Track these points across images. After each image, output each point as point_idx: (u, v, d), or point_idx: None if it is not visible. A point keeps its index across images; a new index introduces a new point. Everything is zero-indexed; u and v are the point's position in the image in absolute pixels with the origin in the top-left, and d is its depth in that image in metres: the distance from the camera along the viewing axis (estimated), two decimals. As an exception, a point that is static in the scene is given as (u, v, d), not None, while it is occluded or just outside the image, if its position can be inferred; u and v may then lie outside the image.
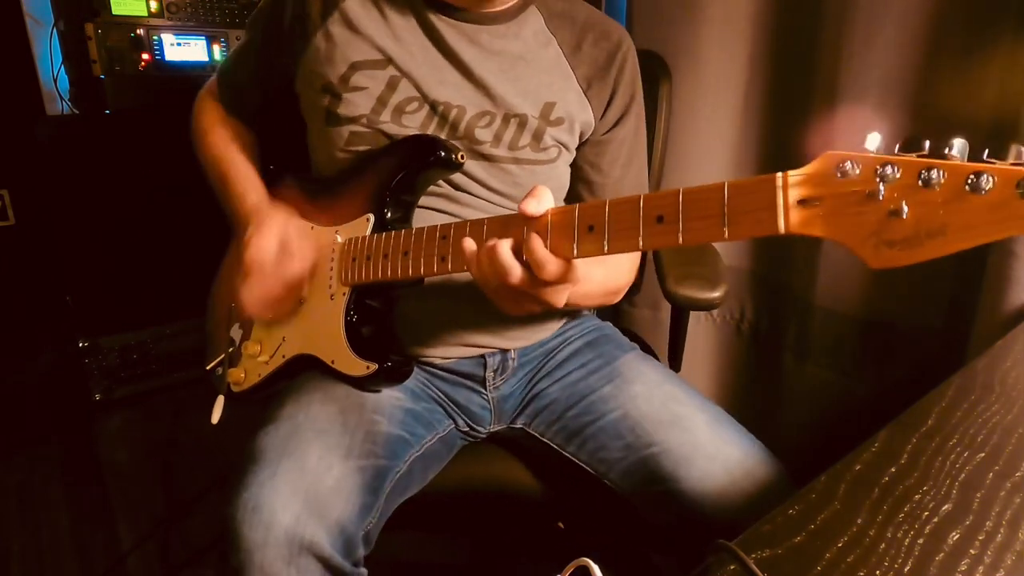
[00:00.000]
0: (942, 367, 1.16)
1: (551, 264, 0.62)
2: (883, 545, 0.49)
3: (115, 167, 1.85)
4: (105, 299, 1.92)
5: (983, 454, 0.59)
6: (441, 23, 0.87)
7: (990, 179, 0.42)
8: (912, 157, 0.46)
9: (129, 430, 1.90)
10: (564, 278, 0.63)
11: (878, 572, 0.47)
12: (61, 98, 1.92)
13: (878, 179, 0.46)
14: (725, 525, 0.75)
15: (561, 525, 1.10)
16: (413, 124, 0.87)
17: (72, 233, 1.84)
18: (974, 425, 0.63)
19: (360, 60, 0.85)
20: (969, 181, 0.43)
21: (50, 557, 1.45)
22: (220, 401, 0.91)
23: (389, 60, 0.85)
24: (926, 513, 0.52)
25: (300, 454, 0.72)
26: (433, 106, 0.86)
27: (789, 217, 0.50)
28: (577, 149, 0.95)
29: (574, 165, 0.97)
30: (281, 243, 0.84)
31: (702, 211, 0.55)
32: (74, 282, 1.89)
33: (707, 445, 0.80)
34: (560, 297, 0.66)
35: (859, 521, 0.51)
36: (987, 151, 0.44)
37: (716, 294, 0.96)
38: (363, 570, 0.73)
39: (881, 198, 0.46)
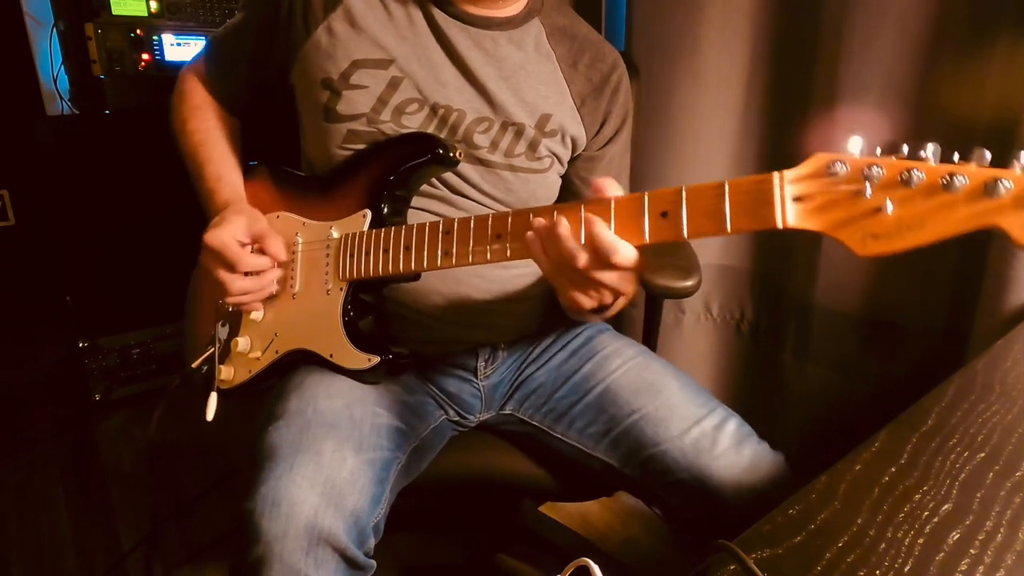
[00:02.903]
0: (942, 367, 1.16)
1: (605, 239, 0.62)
2: (883, 545, 0.49)
3: (115, 167, 1.84)
4: (105, 299, 1.92)
5: (983, 454, 0.59)
6: (448, 24, 0.87)
7: (963, 179, 0.49)
8: (893, 159, 0.52)
9: (129, 430, 1.90)
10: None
11: (878, 572, 0.47)
12: (61, 98, 1.92)
13: (864, 179, 0.52)
14: (706, 473, 0.80)
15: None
16: (413, 125, 0.87)
17: (72, 233, 1.84)
18: (974, 425, 0.63)
19: (362, 58, 0.85)
20: (944, 181, 0.49)
21: (50, 557, 1.45)
22: (214, 398, 0.90)
23: (392, 60, 0.86)
24: (926, 513, 0.52)
25: (315, 448, 0.73)
26: (434, 108, 0.87)
27: (786, 213, 0.56)
28: (569, 163, 0.97)
29: (565, 179, 0.98)
30: (252, 235, 0.85)
31: (705, 208, 0.59)
32: (74, 282, 1.89)
33: (680, 406, 0.86)
34: (630, 284, 0.69)
35: (859, 521, 0.51)
36: (956, 155, 0.51)
37: (690, 283, 1.01)
38: (373, 561, 0.74)
39: (868, 196, 0.52)
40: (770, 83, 1.34)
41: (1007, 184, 0.47)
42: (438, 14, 0.87)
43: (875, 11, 1.11)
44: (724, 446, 0.82)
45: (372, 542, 0.74)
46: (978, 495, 0.54)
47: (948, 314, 1.17)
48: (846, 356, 1.31)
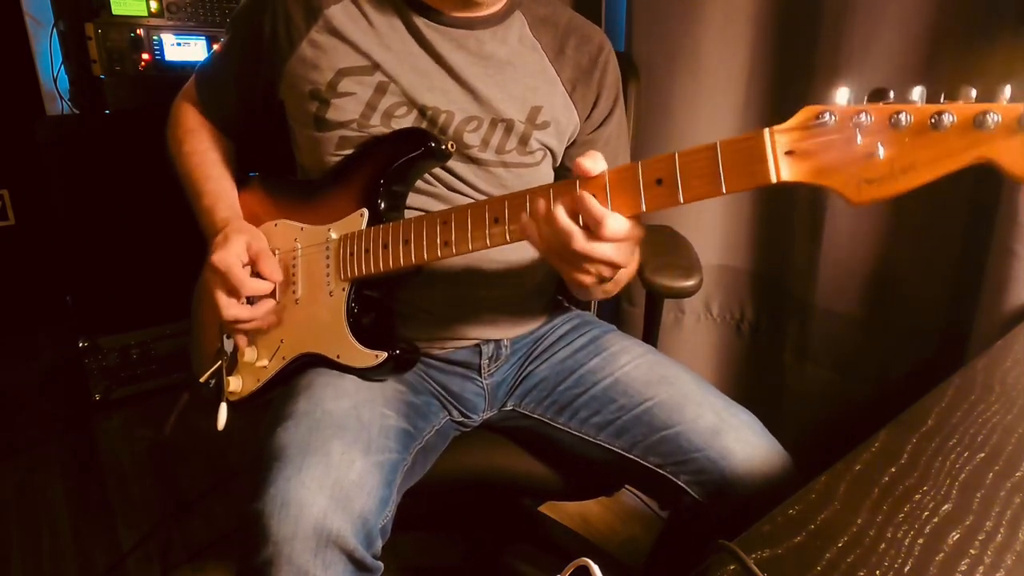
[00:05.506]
0: (942, 367, 1.16)
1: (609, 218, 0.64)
2: (883, 545, 0.49)
3: (115, 167, 1.84)
4: (105, 299, 1.92)
5: (983, 454, 0.59)
6: (429, 29, 0.87)
7: (951, 116, 0.49)
8: (881, 105, 0.52)
9: (129, 430, 1.90)
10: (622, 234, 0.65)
11: (878, 572, 0.47)
12: (61, 98, 1.92)
13: (854, 126, 0.52)
14: (722, 454, 0.81)
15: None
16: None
17: (72, 233, 1.84)
18: (974, 425, 0.63)
19: (347, 66, 0.86)
20: (932, 120, 0.50)
21: (50, 557, 1.45)
22: (224, 408, 0.91)
23: (376, 66, 0.86)
24: (926, 513, 0.52)
25: (324, 450, 0.73)
26: (422, 111, 0.87)
27: (779, 168, 0.56)
28: (565, 152, 0.97)
29: (563, 168, 0.98)
30: (250, 254, 0.86)
31: (699, 170, 0.60)
32: (74, 282, 1.89)
33: (695, 395, 0.87)
34: (626, 256, 0.68)
35: (859, 521, 0.51)
36: (943, 95, 0.51)
37: (691, 283, 1.01)
38: (380, 563, 0.74)
39: (859, 143, 0.52)
40: (770, 83, 1.34)
41: (995, 116, 0.48)
42: (419, 21, 0.87)
43: (875, 11, 1.11)
44: (741, 433, 0.82)
45: (379, 544, 0.74)
46: (978, 495, 0.54)
47: (947, 314, 1.17)
48: (846, 356, 1.31)
